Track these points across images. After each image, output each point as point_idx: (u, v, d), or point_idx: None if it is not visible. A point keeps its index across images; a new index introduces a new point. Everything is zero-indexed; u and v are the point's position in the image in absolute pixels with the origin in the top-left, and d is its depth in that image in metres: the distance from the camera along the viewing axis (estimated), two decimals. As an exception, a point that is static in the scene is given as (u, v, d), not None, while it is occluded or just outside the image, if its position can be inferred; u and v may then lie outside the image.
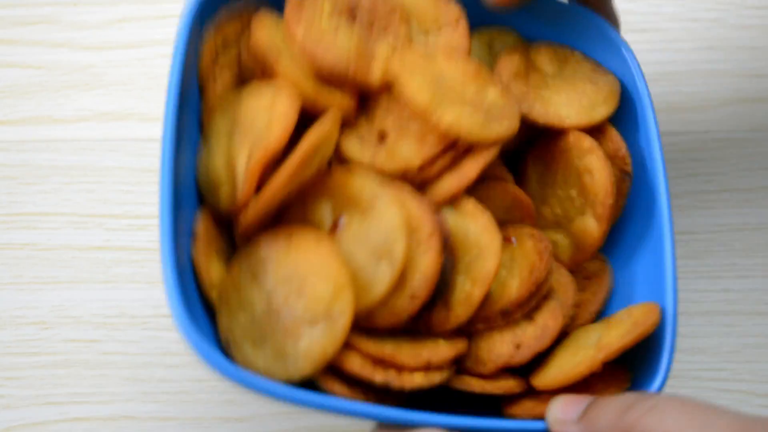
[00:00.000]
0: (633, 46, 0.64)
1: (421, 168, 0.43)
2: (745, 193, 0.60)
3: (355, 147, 0.44)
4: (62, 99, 0.63)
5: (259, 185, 0.41)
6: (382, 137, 0.44)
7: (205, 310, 0.43)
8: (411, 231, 0.41)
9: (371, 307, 0.41)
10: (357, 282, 0.41)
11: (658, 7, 0.65)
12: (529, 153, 0.50)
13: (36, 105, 0.63)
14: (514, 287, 0.44)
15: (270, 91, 0.43)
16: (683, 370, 0.56)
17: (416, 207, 0.42)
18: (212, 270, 0.43)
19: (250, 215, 0.41)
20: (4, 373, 0.56)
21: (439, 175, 0.43)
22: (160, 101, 0.63)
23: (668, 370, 0.43)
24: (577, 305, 0.48)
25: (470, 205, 0.44)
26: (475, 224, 0.44)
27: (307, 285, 0.41)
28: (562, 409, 0.42)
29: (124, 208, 0.60)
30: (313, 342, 0.40)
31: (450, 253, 0.43)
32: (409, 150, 0.43)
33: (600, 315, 0.48)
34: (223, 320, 0.42)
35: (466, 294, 0.43)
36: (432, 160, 0.43)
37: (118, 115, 0.63)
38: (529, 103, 0.47)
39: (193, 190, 0.44)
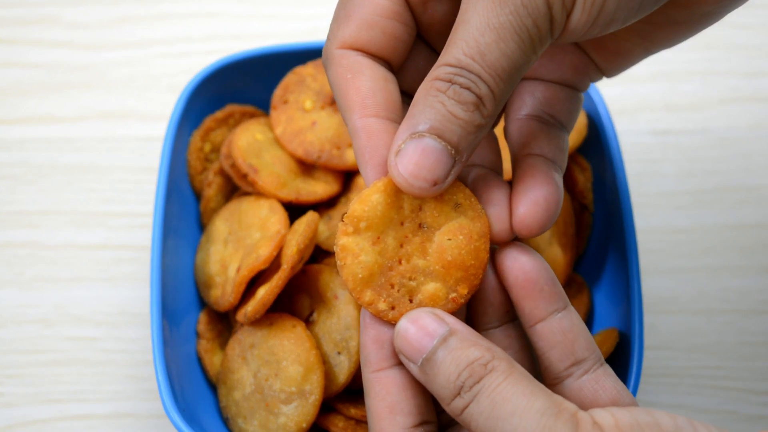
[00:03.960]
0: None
1: None
2: (743, 192, 0.60)
3: (320, 228, 0.51)
4: (62, 98, 0.63)
5: (246, 289, 0.49)
6: (342, 217, 0.50)
7: (209, 387, 0.51)
8: None
9: (338, 392, 0.47)
10: (325, 369, 0.47)
11: (656, 6, 0.65)
12: None
13: (36, 104, 0.63)
14: None
15: (266, 206, 0.49)
16: (681, 367, 0.56)
17: None
18: (214, 360, 0.51)
19: (250, 317, 0.46)
20: (5, 371, 0.56)
21: None
22: (160, 100, 0.63)
23: (636, 387, 0.47)
24: None
25: None
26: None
27: (282, 367, 0.46)
28: (415, 336, 0.35)
29: (125, 207, 0.60)
30: (289, 418, 0.46)
31: None
32: None
33: None
34: (222, 399, 0.49)
35: None
36: None
37: (118, 114, 0.63)
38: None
39: (192, 285, 0.52)
